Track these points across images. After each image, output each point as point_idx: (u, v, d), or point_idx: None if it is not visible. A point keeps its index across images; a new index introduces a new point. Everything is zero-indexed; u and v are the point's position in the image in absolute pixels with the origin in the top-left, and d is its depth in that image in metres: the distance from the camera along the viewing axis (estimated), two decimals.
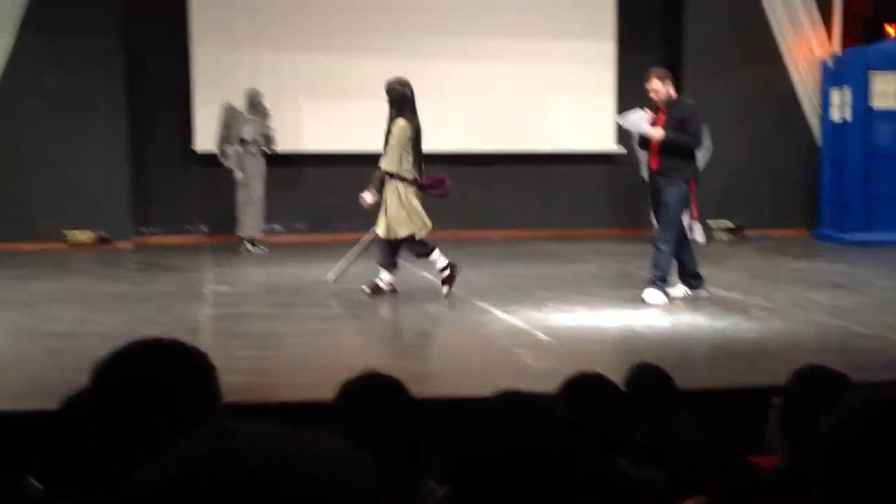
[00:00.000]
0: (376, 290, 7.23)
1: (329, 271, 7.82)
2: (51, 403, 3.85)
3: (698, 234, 7.27)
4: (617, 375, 2.99)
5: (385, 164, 7.24)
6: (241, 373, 4.83)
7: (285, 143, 11.04)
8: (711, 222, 11.83)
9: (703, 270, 7.28)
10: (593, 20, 11.94)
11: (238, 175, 10.57)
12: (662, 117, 7.08)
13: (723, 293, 7.42)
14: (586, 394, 2.48)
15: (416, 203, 7.32)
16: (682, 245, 7.12)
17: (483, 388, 4.16)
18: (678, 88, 11.66)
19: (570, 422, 1.62)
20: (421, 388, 3.84)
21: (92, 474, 1.47)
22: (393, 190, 7.24)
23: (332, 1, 11.54)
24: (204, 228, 11.68)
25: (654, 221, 7.19)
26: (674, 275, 7.17)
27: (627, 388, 3.01)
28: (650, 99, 7.17)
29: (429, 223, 7.33)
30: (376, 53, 11.51)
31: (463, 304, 7.08)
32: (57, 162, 10.72)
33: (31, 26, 10.52)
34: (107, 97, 10.83)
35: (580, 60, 11.80)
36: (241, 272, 8.99)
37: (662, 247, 6.99)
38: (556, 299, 7.15)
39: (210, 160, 10.91)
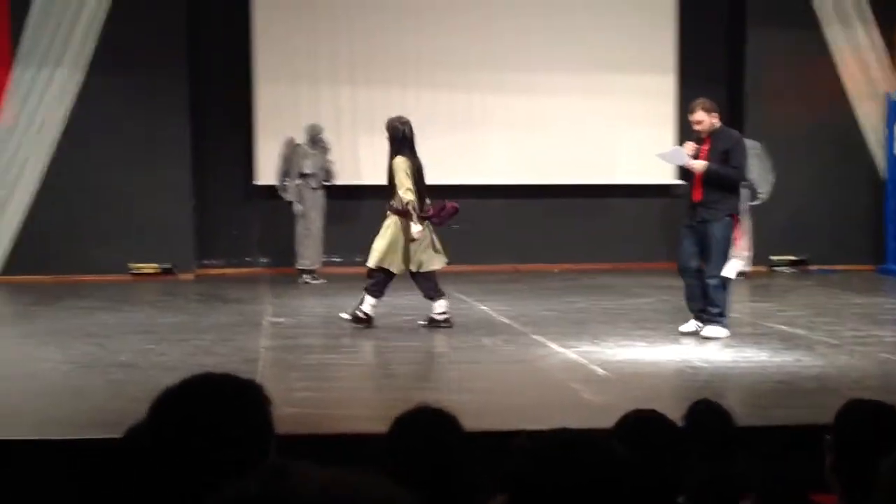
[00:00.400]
0: (433, 322, 7.32)
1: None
2: (113, 433, 3.93)
3: (732, 270, 7.12)
4: (675, 412, 2.96)
5: (408, 198, 7.31)
6: (297, 405, 4.86)
7: (344, 177, 11.19)
8: (775, 257, 11.67)
9: (763, 304, 7.16)
10: (654, 54, 11.91)
11: (298, 208, 10.73)
12: (706, 148, 6.93)
13: (785, 328, 7.28)
14: (642, 431, 2.46)
15: (428, 238, 7.49)
16: (700, 277, 6.95)
17: (538, 422, 4.15)
18: (740, 122, 11.66)
19: (625, 459, 1.61)
20: (475, 422, 3.83)
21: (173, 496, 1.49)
22: (392, 221, 7.46)
23: (390, 37, 11.70)
24: (264, 260, 11.85)
25: (681, 251, 7.03)
26: (699, 304, 6.95)
27: (686, 425, 2.97)
28: (701, 131, 7.01)
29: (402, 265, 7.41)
30: (434, 87, 11.67)
31: (519, 337, 7.06)
32: (123, 196, 10.98)
33: (99, 64, 10.84)
34: (172, 133, 11.09)
35: (640, 94, 11.77)
36: (299, 304, 9.08)
37: (714, 282, 6.85)
38: (613, 333, 7.09)
39: (270, 193, 11.08)
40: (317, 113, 11.31)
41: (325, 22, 11.63)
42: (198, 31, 11.36)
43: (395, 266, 7.37)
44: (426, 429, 2.23)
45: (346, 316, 7.38)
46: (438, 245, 7.59)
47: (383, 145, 11.67)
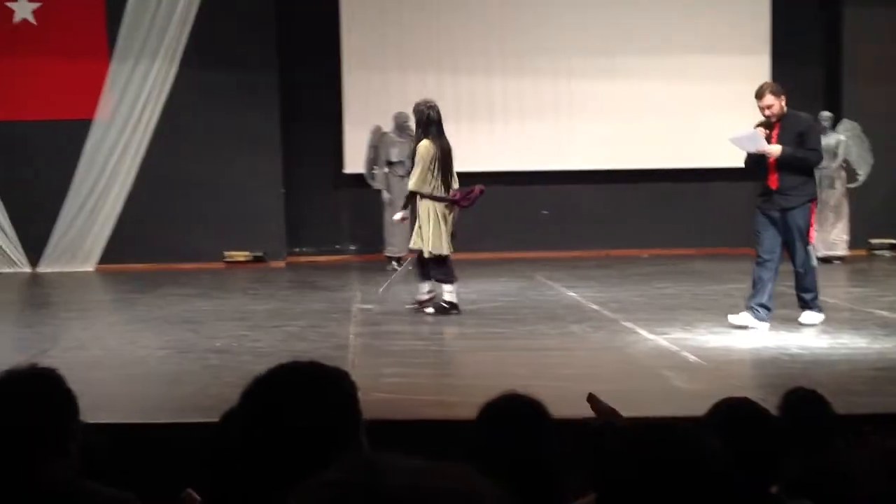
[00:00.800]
0: (440, 308, 7.39)
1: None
2: (209, 418, 4.03)
3: (815, 257, 6.81)
4: (770, 400, 2.88)
5: (410, 184, 7.51)
6: (386, 390, 4.91)
7: None
8: (874, 240, 11.28)
9: (862, 289, 6.91)
10: (746, 34, 11.62)
11: (385, 196, 10.81)
12: (776, 133, 6.62)
13: (885, 314, 7.04)
14: (735, 419, 2.40)
15: (447, 223, 7.51)
16: (774, 271, 6.63)
17: (628, 410, 4.10)
18: (837, 103, 11.29)
19: (719, 455, 1.58)
20: (563, 410, 3.80)
21: (248, 489, 1.52)
22: (425, 209, 7.42)
23: (477, 24, 11.68)
24: (353, 248, 12.00)
25: (761, 242, 6.66)
26: (759, 299, 6.56)
27: (781, 414, 2.89)
28: (771, 115, 6.63)
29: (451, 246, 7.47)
30: (522, 74, 11.62)
31: (609, 323, 6.99)
32: (216, 186, 11.25)
33: (192, 57, 11.11)
34: (262, 124, 11.30)
35: (733, 76, 11.49)
36: (388, 291, 9.15)
37: (803, 269, 6.60)
38: (705, 320, 6.95)
39: (359, 182, 11.20)
40: (404, 101, 11.35)
41: (412, 10, 11.68)
42: (287, 23, 11.53)
43: (446, 248, 7.42)
44: (514, 416, 2.22)
45: (429, 310, 7.47)
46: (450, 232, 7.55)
47: (470, 132, 11.75)
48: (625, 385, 5.17)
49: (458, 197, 7.59)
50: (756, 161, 6.72)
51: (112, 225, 11.24)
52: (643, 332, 6.51)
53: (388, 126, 10.92)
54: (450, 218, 7.52)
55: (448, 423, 4.06)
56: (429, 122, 7.58)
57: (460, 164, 11.80)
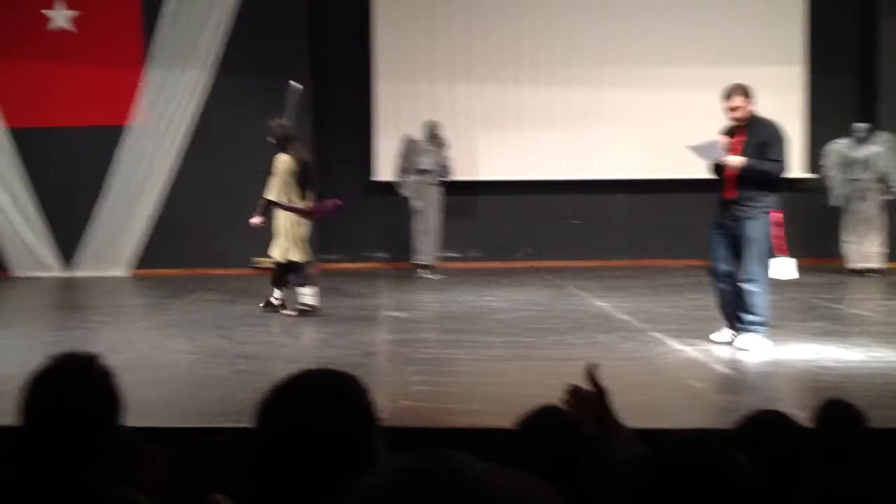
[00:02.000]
0: (301, 311, 7.79)
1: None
2: (238, 422, 4.05)
3: (786, 272, 6.53)
4: (802, 413, 2.85)
5: (268, 194, 7.98)
6: (413, 398, 4.91)
7: (461, 173, 11.24)
8: None
9: (874, 304, 6.72)
10: (782, 44, 11.54)
11: (415, 204, 10.83)
12: (741, 140, 6.30)
13: None
14: (765, 432, 2.37)
15: (303, 232, 7.99)
16: (733, 284, 6.33)
17: (657, 421, 4.07)
18: (872, 114, 11.15)
19: (745, 461, 1.56)
20: None
21: (271, 495, 1.52)
22: (283, 217, 7.92)
23: (507, 34, 11.69)
24: (382, 255, 12.02)
25: (715, 258, 6.41)
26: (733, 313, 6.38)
27: (814, 426, 2.86)
28: (737, 119, 6.34)
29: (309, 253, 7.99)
30: (552, 83, 11.62)
31: (638, 334, 6.94)
32: (247, 193, 11.30)
33: (226, 65, 11.21)
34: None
35: (768, 87, 11.36)
36: (416, 298, 9.17)
37: (754, 287, 6.24)
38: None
39: (389, 190, 11.23)
40: (434, 110, 11.40)
41: (443, 20, 11.71)
42: (319, 32, 11.61)
43: (300, 255, 7.93)
44: (552, 430, 2.20)
45: (289, 312, 7.83)
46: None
47: (499, 141, 11.76)
48: (653, 396, 5.14)
49: (313, 209, 8.06)
50: (718, 170, 6.42)
51: (145, 230, 11.36)
52: (673, 343, 6.47)
53: (418, 134, 10.95)
54: (304, 227, 7.98)
55: (475, 432, 4.06)
56: (286, 138, 8.05)
57: (491, 173, 11.86)
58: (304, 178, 8.00)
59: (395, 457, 0.84)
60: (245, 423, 2.15)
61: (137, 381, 5.36)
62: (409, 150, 10.90)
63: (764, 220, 6.30)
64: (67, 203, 11.29)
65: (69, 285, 10.72)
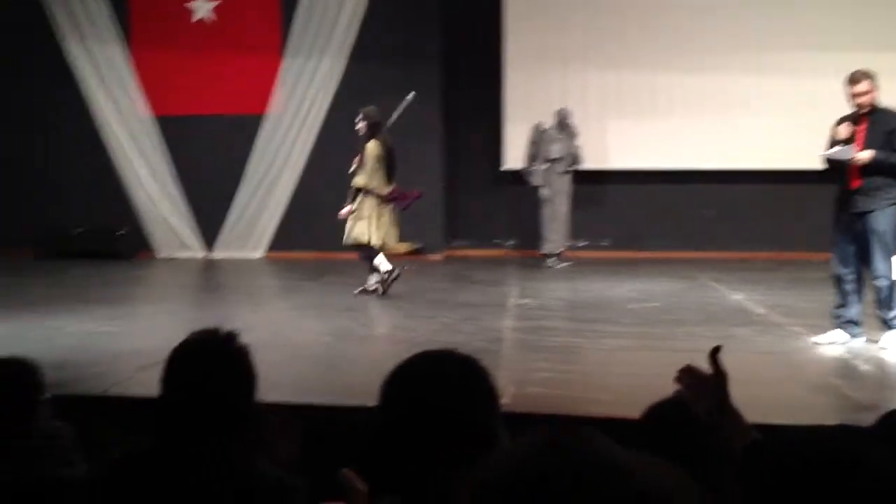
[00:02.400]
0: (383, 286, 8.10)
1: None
2: (366, 402, 4.14)
3: None
4: None
5: (357, 182, 8.20)
6: (539, 385, 4.90)
7: (592, 161, 11.11)
8: None
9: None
10: None
11: (544, 192, 10.78)
12: (863, 128, 5.97)
13: None
14: None
15: (386, 217, 8.23)
16: (855, 282, 6.04)
17: (794, 417, 3.93)
18: None
19: (883, 459, 1.48)
20: None
21: (409, 473, 1.54)
22: (368, 202, 8.16)
23: (641, 19, 11.47)
24: (510, 243, 12.02)
25: (843, 255, 6.04)
26: (847, 314, 6.06)
27: None
28: (861, 104, 5.99)
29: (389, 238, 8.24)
30: (688, 70, 11.33)
31: (775, 328, 6.72)
32: None
33: (359, 53, 11.41)
34: (425, 118, 11.47)
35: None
36: (543, 286, 9.13)
37: (884, 283, 5.87)
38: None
39: (518, 178, 11.21)
40: (565, 97, 11.29)
41: (576, 6, 11.58)
42: (451, 19, 11.67)
43: (377, 239, 8.17)
44: (681, 421, 2.16)
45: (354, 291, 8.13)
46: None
47: (635, 129, 11.55)
48: (790, 392, 4.97)
49: (395, 194, 8.28)
50: (837, 163, 6.04)
51: (281, 214, 11.72)
52: (811, 339, 6.22)
53: (548, 122, 10.88)
54: (387, 213, 8.24)
55: (600, 421, 4.02)
56: (377, 124, 8.32)
57: (623, 161, 11.67)
58: (390, 165, 8.22)
59: (523, 436, 0.83)
60: (372, 403, 2.19)
61: (271, 359, 5.53)
62: (539, 139, 10.84)
63: (891, 212, 5.94)
64: (209, 188, 11.75)
65: (210, 266, 11.17)
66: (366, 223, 8.10)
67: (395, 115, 8.89)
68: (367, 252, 8.16)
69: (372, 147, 8.20)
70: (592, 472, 0.75)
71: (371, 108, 8.49)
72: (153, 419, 2.00)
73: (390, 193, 8.23)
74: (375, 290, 8.11)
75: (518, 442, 0.81)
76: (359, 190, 8.19)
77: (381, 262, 8.13)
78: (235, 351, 2.06)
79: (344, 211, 8.31)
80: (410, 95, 9.13)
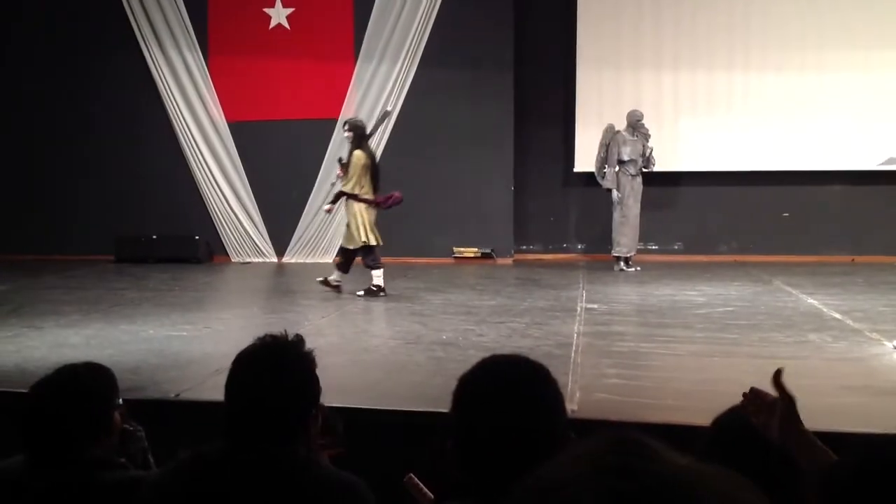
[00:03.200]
0: (370, 291, 8.59)
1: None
2: (434, 407, 4.15)
3: None
4: None
5: (344, 187, 8.68)
6: (607, 391, 4.86)
7: (664, 163, 10.98)
8: None
9: None
10: None
11: (615, 195, 10.68)
12: None
13: None
14: None
15: (373, 218, 8.70)
16: None
17: (870, 425, 3.82)
18: None
19: None
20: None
21: (477, 479, 1.54)
22: (357, 207, 8.60)
23: (718, 18, 11.30)
24: (580, 247, 11.94)
25: None
26: None
27: None
28: None
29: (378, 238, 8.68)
30: (765, 69, 11.13)
31: (851, 333, 6.54)
32: (450, 183, 11.56)
33: (430, 58, 11.46)
34: (497, 122, 11.49)
35: None
36: (613, 291, 9.05)
37: None
38: None
39: (588, 180, 11.13)
40: (638, 99, 11.18)
41: (650, 6, 11.46)
42: (523, 21, 11.65)
43: (374, 240, 8.69)
44: (747, 429, 2.12)
45: (359, 293, 8.61)
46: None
47: (708, 130, 11.37)
48: (867, 399, 4.84)
49: (379, 200, 8.72)
50: None
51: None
52: (890, 345, 6.05)
53: (620, 124, 10.78)
54: (373, 214, 8.69)
55: (671, 428, 3.96)
56: (364, 135, 8.79)
57: (696, 163, 11.50)
58: (374, 173, 8.69)
59: (582, 441, 0.82)
60: (440, 408, 2.20)
61: (340, 363, 5.60)
62: (612, 140, 10.75)
63: None
64: (281, 192, 11.93)
65: (282, 271, 11.34)
66: (364, 228, 8.61)
67: (371, 128, 9.28)
68: (371, 254, 8.64)
69: (358, 155, 8.65)
70: (656, 481, 0.74)
71: (356, 119, 8.99)
72: (221, 422, 2.04)
73: (376, 199, 8.69)
74: (379, 289, 8.58)
75: (577, 447, 0.80)
76: (341, 195, 8.69)
77: (379, 276, 8.65)
78: (300, 356, 2.09)
79: (326, 207, 9.13)
80: (386, 110, 9.60)
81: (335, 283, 8.80)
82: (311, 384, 2.09)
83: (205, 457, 1.98)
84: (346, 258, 8.83)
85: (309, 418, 2.06)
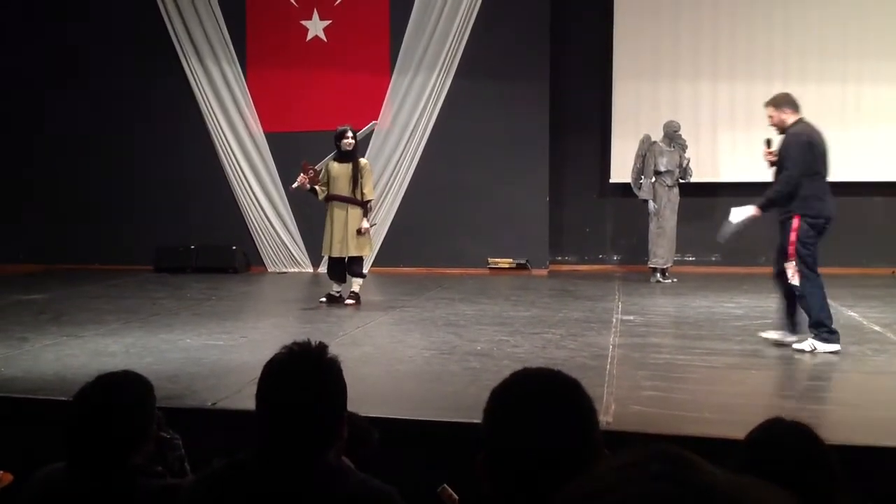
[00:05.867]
0: (356, 297, 8.83)
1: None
2: (468, 417, 4.15)
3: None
4: None
5: (371, 196, 8.93)
6: (643, 403, 4.83)
7: (701, 174, 10.91)
8: None
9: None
10: None
11: (651, 206, 10.63)
12: (777, 151, 6.46)
13: None
14: None
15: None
16: (780, 286, 6.53)
17: None
18: None
19: None
20: (838, 436, 3.56)
21: (509, 492, 1.54)
22: (360, 214, 8.77)
23: (756, 28, 11.23)
24: (616, 258, 11.89)
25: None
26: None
27: None
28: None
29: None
30: (805, 80, 11.01)
31: (893, 347, 6.45)
32: (485, 194, 11.56)
33: (465, 69, 11.50)
34: (532, 133, 11.48)
35: None
36: (650, 302, 8.99)
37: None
38: None
39: (624, 191, 11.09)
40: (675, 110, 11.13)
41: (688, 15, 11.41)
42: (559, 32, 11.65)
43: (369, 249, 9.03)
44: (780, 444, 2.10)
45: (349, 301, 8.84)
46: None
47: (747, 142, 11.26)
48: None
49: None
50: None
51: (386, 230, 11.88)
52: None
53: (656, 135, 10.73)
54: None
55: (708, 441, 3.93)
56: (357, 144, 8.90)
57: (733, 174, 11.39)
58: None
59: (620, 452, 0.82)
60: (473, 419, 2.21)
61: (375, 374, 5.62)
62: (648, 151, 10.70)
63: (788, 224, 6.46)
64: (318, 203, 11.99)
65: (318, 281, 11.39)
66: (369, 237, 8.86)
67: (361, 137, 9.34)
68: (362, 262, 8.91)
69: (367, 163, 8.96)
70: (703, 487, 0.74)
71: (352, 130, 8.94)
72: (254, 429, 2.06)
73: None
74: (355, 297, 8.82)
75: (617, 457, 0.80)
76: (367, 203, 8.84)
77: (359, 285, 8.93)
78: (327, 362, 2.11)
79: (364, 225, 8.80)
80: (372, 124, 9.77)
81: (338, 295, 8.91)
82: (340, 390, 2.11)
83: (239, 464, 2.00)
84: (342, 266, 8.88)
85: (340, 424, 2.08)
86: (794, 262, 6.32)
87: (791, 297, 6.38)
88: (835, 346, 6.15)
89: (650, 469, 0.76)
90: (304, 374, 2.07)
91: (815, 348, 6.16)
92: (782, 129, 6.41)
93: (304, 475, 1.98)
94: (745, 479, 0.77)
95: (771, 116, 6.43)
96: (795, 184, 6.31)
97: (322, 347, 2.13)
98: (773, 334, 6.54)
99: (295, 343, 2.13)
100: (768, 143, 6.61)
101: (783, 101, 6.42)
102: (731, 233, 6.83)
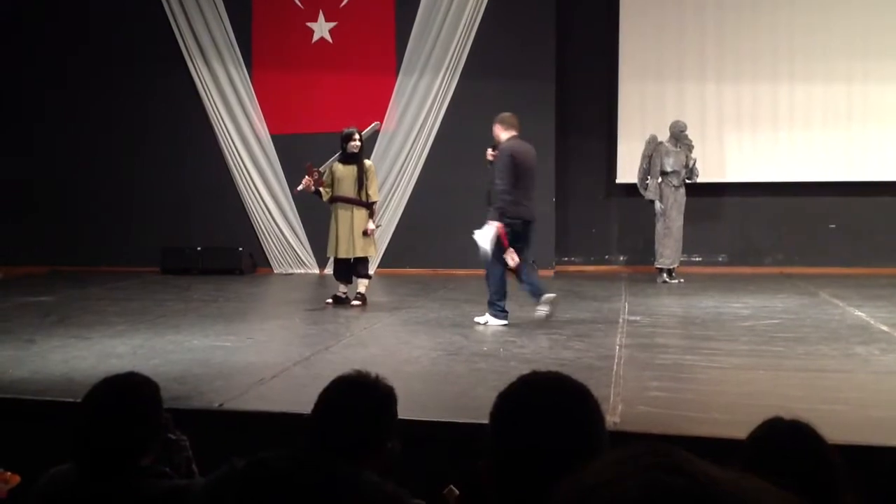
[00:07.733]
0: (363, 298, 8.89)
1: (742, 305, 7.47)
2: (474, 418, 4.14)
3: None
4: None
5: (377, 197, 9.03)
6: (650, 404, 4.82)
7: (707, 174, 10.90)
8: None
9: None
10: None
11: (658, 206, 10.61)
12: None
13: None
14: None
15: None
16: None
17: None
18: None
19: None
20: (843, 436, 3.55)
21: (515, 494, 1.54)
22: (365, 216, 8.86)
23: (762, 28, 11.21)
24: (622, 258, 11.87)
25: None
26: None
27: None
28: None
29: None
30: (811, 80, 11.01)
31: None
32: (490, 194, 11.53)
33: (470, 70, 11.50)
34: (538, 134, 11.46)
35: None
36: (656, 303, 8.98)
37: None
38: None
39: (630, 191, 11.08)
40: (681, 110, 11.12)
41: (692, 18, 11.41)
42: (565, 32, 11.65)
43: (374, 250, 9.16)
44: (782, 444, 2.10)
45: (355, 302, 8.84)
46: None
47: (753, 141, 11.25)
48: None
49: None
50: None
51: (392, 230, 11.88)
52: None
53: (663, 135, 10.72)
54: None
55: (715, 441, 3.92)
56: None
57: (740, 174, 11.39)
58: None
59: (618, 448, 0.82)
60: (480, 419, 2.20)
61: (382, 374, 5.62)
62: (654, 151, 10.69)
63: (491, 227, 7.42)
64: (324, 205, 11.99)
65: (323, 282, 11.40)
66: (367, 237, 8.85)
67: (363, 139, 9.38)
68: (366, 264, 8.94)
69: (372, 164, 9.08)
70: (704, 478, 0.73)
71: (357, 130, 9.01)
72: (302, 434, 2.14)
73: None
74: (361, 298, 8.84)
75: (615, 452, 0.80)
76: (373, 206, 8.92)
77: (365, 286, 8.98)
78: (386, 392, 2.32)
79: (372, 226, 8.89)
80: (375, 124, 9.84)
81: (344, 296, 8.94)
82: (391, 419, 2.27)
83: (265, 464, 2.00)
84: (348, 268, 8.91)
85: (382, 450, 2.15)
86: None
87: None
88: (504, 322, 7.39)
89: (653, 461, 0.76)
90: (367, 396, 2.28)
91: (488, 322, 7.41)
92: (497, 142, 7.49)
93: (341, 485, 2.00)
94: (744, 476, 0.77)
95: (495, 136, 7.68)
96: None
97: (379, 379, 2.36)
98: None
99: (357, 372, 2.36)
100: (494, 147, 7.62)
101: (501, 121, 7.76)
102: (487, 254, 7.64)
